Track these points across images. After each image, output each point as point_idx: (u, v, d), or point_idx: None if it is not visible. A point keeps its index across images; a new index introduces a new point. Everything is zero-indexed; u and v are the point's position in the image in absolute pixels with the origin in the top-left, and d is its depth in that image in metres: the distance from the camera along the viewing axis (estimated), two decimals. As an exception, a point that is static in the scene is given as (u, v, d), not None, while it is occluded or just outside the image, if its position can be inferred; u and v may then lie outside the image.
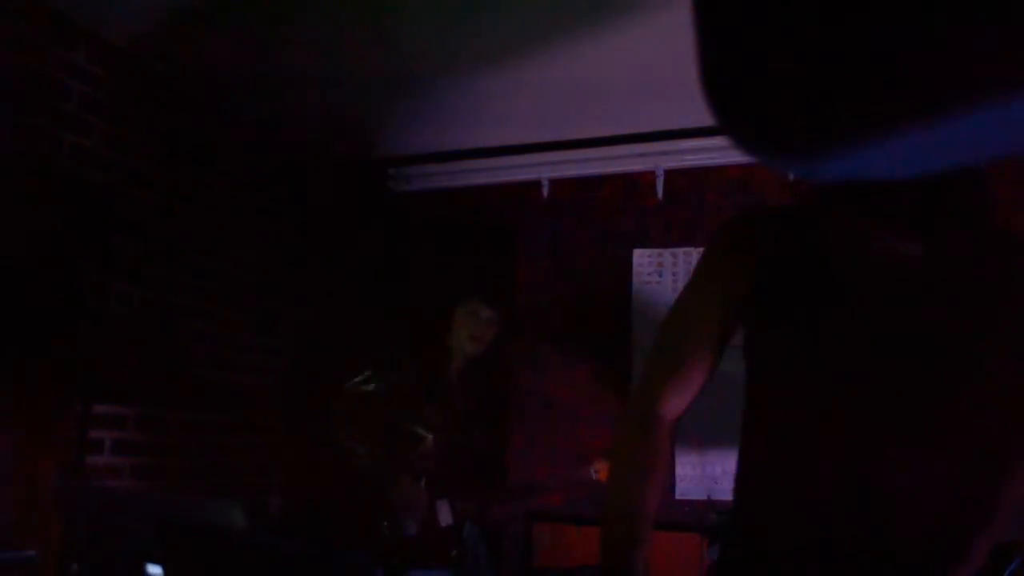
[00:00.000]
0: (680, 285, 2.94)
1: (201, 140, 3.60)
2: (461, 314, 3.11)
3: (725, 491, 3.11)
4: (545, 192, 3.98)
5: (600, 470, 3.57)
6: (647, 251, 3.77)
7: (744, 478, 1.24)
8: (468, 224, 4.12)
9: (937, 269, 1.09)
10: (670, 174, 3.78)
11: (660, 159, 3.77)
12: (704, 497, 3.42)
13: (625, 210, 3.86)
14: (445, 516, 2.86)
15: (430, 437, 2.96)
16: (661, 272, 3.72)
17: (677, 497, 3.51)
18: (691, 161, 3.72)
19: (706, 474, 3.47)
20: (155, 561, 1.19)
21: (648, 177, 3.81)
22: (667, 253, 3.74)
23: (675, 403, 1.27)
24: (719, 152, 3.57)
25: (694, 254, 3.62)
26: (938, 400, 1.07)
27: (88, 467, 2.88)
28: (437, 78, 3.31)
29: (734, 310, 1.23)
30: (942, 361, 1.07)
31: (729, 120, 0.52)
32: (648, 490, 1.22)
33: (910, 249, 1.09)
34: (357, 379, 3.06)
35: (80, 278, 2.91)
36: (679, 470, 3.54)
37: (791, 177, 3.52)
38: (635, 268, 3.77)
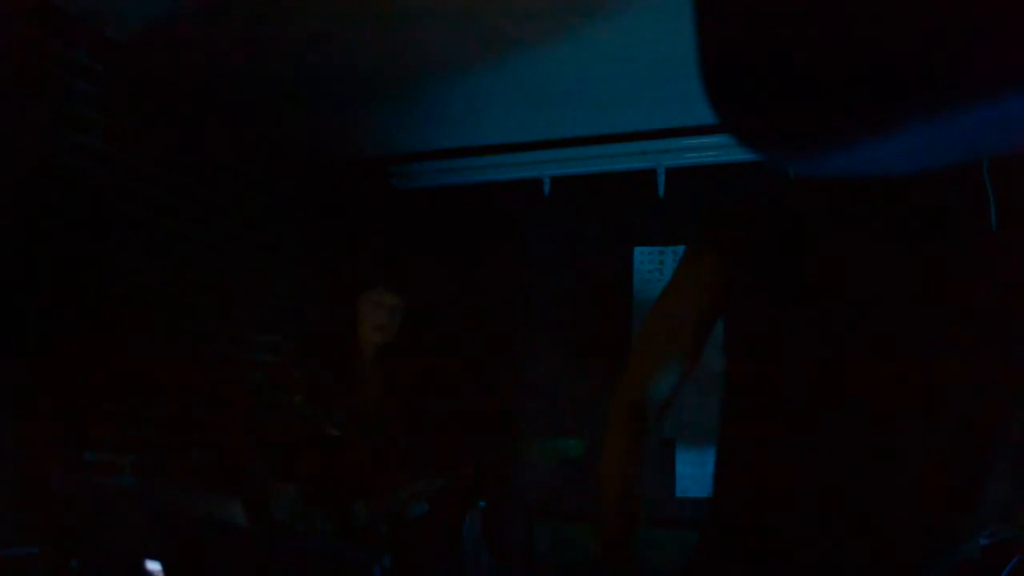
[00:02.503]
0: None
1: (203, 138, 3.60)
2: (365, 303, 2.92)
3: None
4: (546, 190, 3.97)
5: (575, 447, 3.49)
6: (648, 249, 3.77)
7: (723, 472, 1.29)
8: (469, 221, 4.12)
9: (902, 273, 1.11)
10: (671, 172, 3.78)
11: (661, 157, 3.76)
12: (705, 495, 3.42)
13: (626, 208, 3.86)
14: (362, 517, 2.73)
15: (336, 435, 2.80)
16: (662, 270, 3.72)
17: (678, 495, 3.51)
18: (692, 159, 3.71)
19: (706, 472, 3.47)
20: (154, 557, 1.19)
21: (649, 175, 3.80)
22: (668, 251, 3.74)
23: (659, 391, 1.32)
24: (720, 150, 3.56)
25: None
26: (906, 402, 1.08)
27: (88, 464, 2.89)
28: (439, 75, 3.31)
29: (712, 304, 1.30)
30: (908, 362, 1.08)
31: (731, 116, 0.52)
32: (635, 471, 1.30)
33: (879, 252, 1.12)
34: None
35: (82, 275, 2.91)
36: (679, 468, 3.54)
37: (792, 173, 3.51)
38: (636, 266, 3.77)
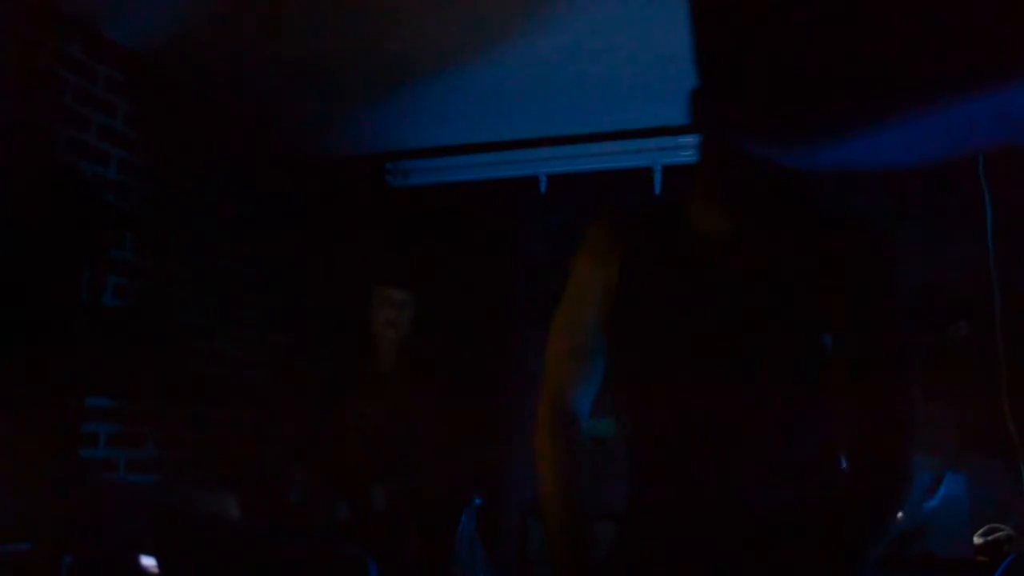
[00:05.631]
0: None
1: (198, 133, 3.59)
2: (375, 300, 2.98)
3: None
4: (543, 187, 3.97)
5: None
6: (644, 247, 3.78)
7: (635, 462, 1.40)
8: (466, 219, 4.12)
9: (744, 279, 1.29)
10: (668, 170, 3.78)
11: (658, 155, 3.76)
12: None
13: (622, 206, 3.86)
14: (380, 501, 2.78)
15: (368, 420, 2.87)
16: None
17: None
18: (689, 157, 3.71)
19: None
20: (149, 553, 1.19)
21: (646, 173, 3.80)
22: (664, 249, 3.74)
23: (579, 394, 1.43)
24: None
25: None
26: (736, 371, 1.26)
27: (83, 460, 2.88)
28: (435, 72, 3.30)
29: (606, 302, 1.39)
30: (740, 348, 1.26)
31: (723, 112, 0.52)
32: (571, 474, 1.37)
33: (728, 262, 1.31)
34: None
35: (75, 270, 2.90)
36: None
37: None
38: (632, 264, 3.77)
